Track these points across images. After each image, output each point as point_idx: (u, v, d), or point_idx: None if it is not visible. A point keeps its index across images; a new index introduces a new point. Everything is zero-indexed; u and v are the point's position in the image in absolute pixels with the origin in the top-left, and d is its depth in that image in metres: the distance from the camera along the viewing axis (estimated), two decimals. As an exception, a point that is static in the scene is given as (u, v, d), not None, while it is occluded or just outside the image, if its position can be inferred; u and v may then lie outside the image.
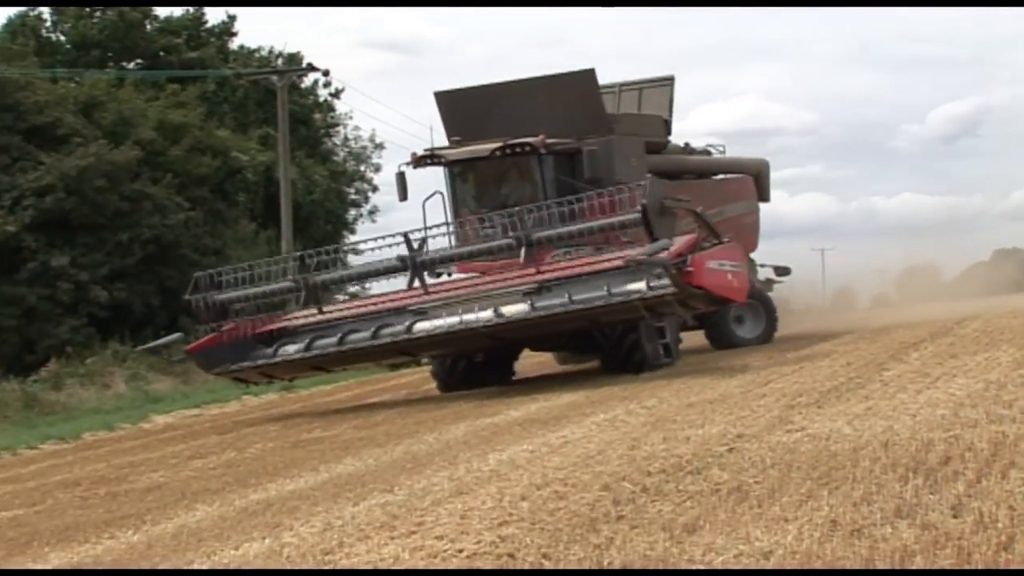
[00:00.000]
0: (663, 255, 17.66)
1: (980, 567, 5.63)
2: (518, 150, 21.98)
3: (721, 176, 27.93)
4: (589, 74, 23.79)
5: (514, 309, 19.08)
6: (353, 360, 21.66)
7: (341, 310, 22.05)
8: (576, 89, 23.48)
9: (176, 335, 23.98)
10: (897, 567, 5.75)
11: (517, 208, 20.28)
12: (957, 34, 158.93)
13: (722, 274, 18.87)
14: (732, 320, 24.60)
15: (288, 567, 7.69)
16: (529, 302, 18.99)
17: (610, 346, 20.56)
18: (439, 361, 22.05)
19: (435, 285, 20.56)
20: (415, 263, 19.84)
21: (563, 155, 22.40)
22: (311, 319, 21.08)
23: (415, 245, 19.96)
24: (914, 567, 5.72)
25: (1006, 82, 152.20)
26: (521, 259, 19.62)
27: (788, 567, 5.98)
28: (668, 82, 26.80)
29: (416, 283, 20.09)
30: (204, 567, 8.24)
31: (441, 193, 22.98)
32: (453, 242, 21.41)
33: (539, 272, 19.48)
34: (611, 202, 19.77)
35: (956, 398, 11.20)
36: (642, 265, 17.87)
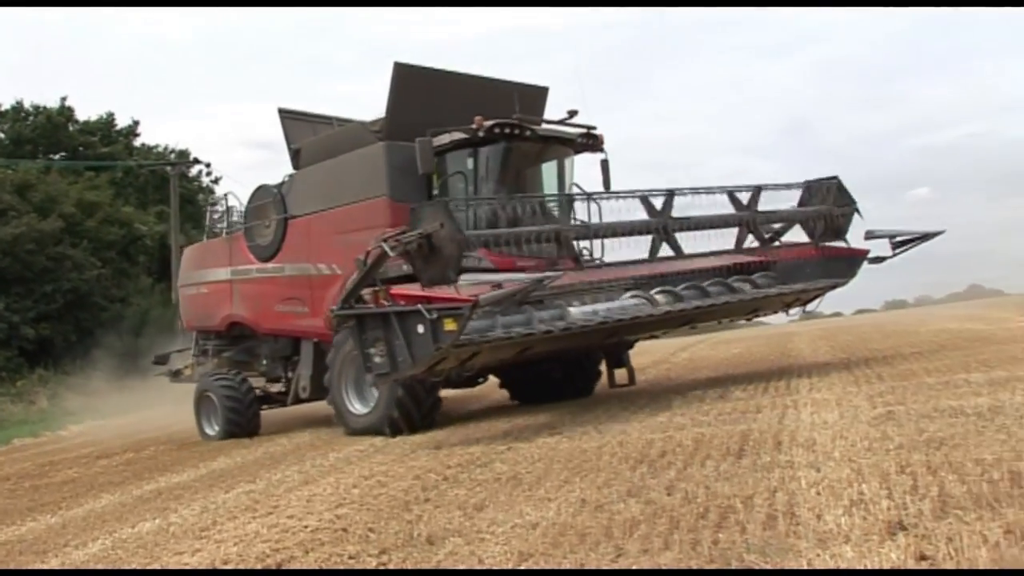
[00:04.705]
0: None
1: (686, 532, 5.63)
2: (590, 140, 14.62)
3: None
4: (542, 91, 15.92)
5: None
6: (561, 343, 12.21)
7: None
8: (527, 101, 14.57)
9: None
10: (628, 534, 5.77)
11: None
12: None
13: None
14: None
15: (173, 542, 7.42)
16: (723, 288, 13.54)
17: (574, 371, 15.31)
18: (409, 395, 12.73)
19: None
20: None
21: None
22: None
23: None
24: (639, 534, 5.74)
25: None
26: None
27: (551, 535, 5.99)
28: None
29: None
30: (107, 543, 7.90)
31: (462, 173, 13.84)
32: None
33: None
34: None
35: (675, 410, 11.41)
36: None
